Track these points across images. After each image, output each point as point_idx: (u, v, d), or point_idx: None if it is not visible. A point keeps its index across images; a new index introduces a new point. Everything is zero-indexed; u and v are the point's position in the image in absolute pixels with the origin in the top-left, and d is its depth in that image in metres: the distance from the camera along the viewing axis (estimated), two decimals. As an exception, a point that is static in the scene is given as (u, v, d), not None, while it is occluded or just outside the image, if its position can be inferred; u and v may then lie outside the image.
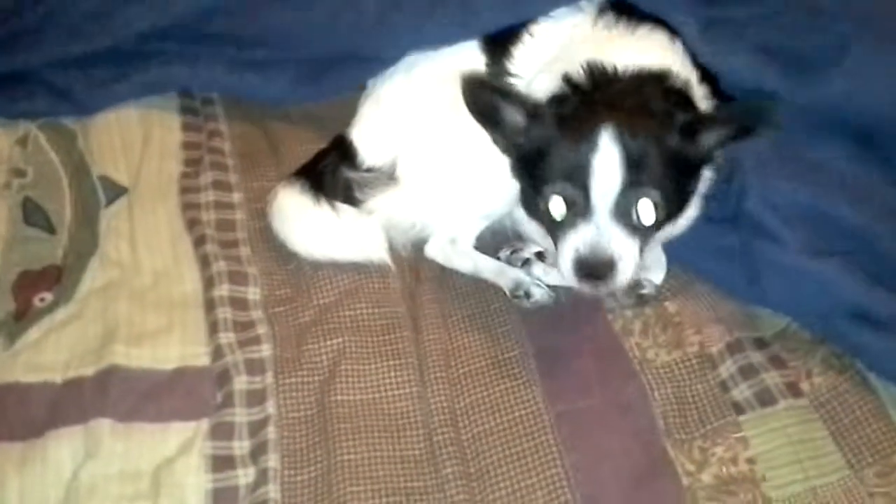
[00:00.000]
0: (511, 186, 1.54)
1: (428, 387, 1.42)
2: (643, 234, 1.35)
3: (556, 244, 1.38)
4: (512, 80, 1.60)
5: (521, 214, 1.60)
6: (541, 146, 1.35)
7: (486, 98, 1.39)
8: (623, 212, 1.31)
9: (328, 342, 1.47)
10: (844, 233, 1.41)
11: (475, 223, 1.63)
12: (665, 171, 1.32)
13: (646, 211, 1.31)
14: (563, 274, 1.36)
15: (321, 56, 1.78)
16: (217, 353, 1.44)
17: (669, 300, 1.53)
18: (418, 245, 1.64)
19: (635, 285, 1.52)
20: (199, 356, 1.46)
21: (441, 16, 1.61)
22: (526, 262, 1.61)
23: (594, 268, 1.32)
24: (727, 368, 1.41)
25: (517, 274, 1.57)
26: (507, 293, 1.56)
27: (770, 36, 1.53)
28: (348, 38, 1.71)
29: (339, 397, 1.39)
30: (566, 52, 1.54)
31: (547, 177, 1.34)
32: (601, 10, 1.58)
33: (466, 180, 1.59)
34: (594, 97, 1.40)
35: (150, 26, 1.78)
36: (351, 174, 1.62)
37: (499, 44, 1.64)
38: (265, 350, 1.46)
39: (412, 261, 1.63)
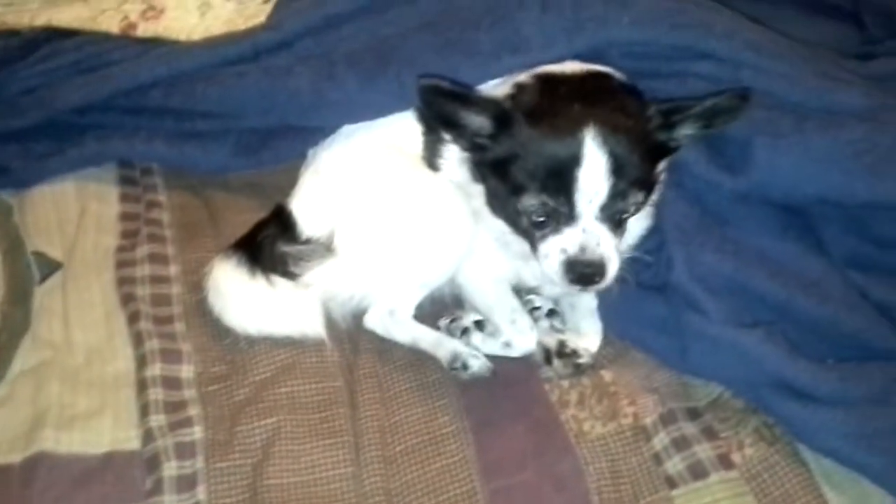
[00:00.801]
0: (451, 256, 1.58)
1: (363, 466, 1.40)
2: (622, 229, 1.38)
3: (533, 245, 1.39)
4: (449, 149, 1.60)
5: (462, 280, 1.62)
6: (514, 151, 1.34)
7: (444, 106, 1.39)
8: (608, 214, 1.33)
9: (262, 422, 1.45)
10: (766, 304, 1.43)
11: (414, 293, 1.62)
12: (645, 167, 1.35)
13: (628, 210, 1.35)
14: (549, 276, 1.38)
15: (259, 127, 1.78)
16: (147, 436, 1.42)
17: (605, 368, 1.53)
18: (358, 316, 1.63)
19: (572, 354, 1.52)
20: (130, 439, 1.43)
21: (376, 89, 1.61)
22: (465, 332, 1.61)
23: (585, 270, 1.34)
24: (661, 440, 1.41)
25: (455, 345, 1.56)
26: (445, 365, 1.55)
27: None
28: (284, 111, 1.71)
29: (271, 481, 1.37)
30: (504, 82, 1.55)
31: (524, 184, 1.34)
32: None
33: (405, 251, 1.58)
34: (560, 91, 1.38)
35: (87, 101, 1.78)
36: (287, 248, 1.60)
37: None
38: (197, 432, 1.43)
39: (351, 332, 1.62)
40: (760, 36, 1.62)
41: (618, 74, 1.50)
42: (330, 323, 1.59)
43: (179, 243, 1.75)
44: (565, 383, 1.51)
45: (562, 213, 1.34)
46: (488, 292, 1.60)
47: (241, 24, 1.84)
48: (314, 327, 1.55)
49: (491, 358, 1.55)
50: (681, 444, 1.39)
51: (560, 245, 1.35)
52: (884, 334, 1.40)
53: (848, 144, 1.45)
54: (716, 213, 1.49)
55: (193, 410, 1.47)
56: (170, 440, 1.40)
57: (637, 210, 1.39)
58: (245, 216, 1.75)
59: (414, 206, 1.59)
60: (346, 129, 1.69)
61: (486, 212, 1.49)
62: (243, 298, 1.57)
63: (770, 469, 1.34)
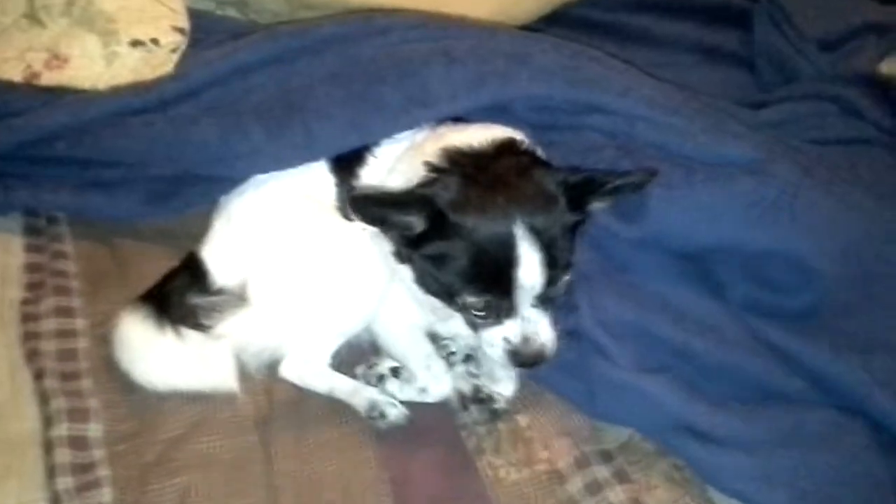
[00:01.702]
0: (366, 305, 1.58)
1: (278, 526, 1.38)
2: (555, 305, 1.42)
3: (473, 329, 1.44)
4: None
5: (377, 326, 1.62)
6: (447, 251, 1.38)
7: (376, 212, 1.41)
8: (544, 299, 1.38)
9: (173, 481, 1.40)
10: (668, 349, 1.48)
11: (330, 342, 1.61)
12: (570, 247, 1.40)
13: (560, 293, 1.41)
14: (492, 358, 1.44)
15: (169, 176, 1.75)
16: (55, 500, 1.36)
17: (521, 412, 1.55)
18: (272, 366, 1.61)
19: (488, 399, 1.54)
20: (37, 502, 1.37)
21: (284, 141, 1.61)
22: (381, 378, 1.61)
23: (528, 359, 1.40)
24: (575, 484, 1.43)
25: (371, 394, 1.56)
26: (363, 414, 1.54)
27: None
28: (192, 161, 1.69)
29: (182, 544, 1.34)
30: (409, 154, 1.57)
31: (461, 283, 1.38)
32: (439, 123, 1.63)
33: (320, 300, 1.58)
34: (477, 179, 1.41)
35: (-8, 151, 1.72)
36: (198, 300, 1.58)
37: (346, 164, 1.66)
38: (106, 495, 1.38)
39: (266, 384, 1.59)
40: (655, 91, 1.70)
41: (521, 136, 1.54)
42: (243, 375, 1.56)
43: (87, 295, 1.70)
44: (482, 429, 1.52)
45: (502, 307, 1.39)
46: (402, 338, 1.61)
47: (148, 74, 1.81)
48: (226, 381, 1.53)
49: (408, 405, 1.55)
50: (594, 488, 1.41)
51: (502, 334, 1.40)
52: (782, 376, 1.47)
53: (737, 196, 1.53)
54: (616, 260, 1.55)
55: (102, 471, 1.41)
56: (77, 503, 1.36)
57: (565, 289, 1.44)
58: (156, 264, 1.71)
59: (327, 254, 1.58)
60: (259, 176, 1.68)
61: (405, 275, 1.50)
62: (151, 353, 1.53)
63: (681, 512, 1.38)
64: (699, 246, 1.54)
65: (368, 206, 1.41)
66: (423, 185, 1.44)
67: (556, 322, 1.41)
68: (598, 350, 1.47)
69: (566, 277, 1.40)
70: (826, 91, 1.96)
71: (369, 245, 1.57)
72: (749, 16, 2.23)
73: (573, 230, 1.42)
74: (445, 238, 1.37)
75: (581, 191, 1.40)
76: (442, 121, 1.63)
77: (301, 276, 1.58)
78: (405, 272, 1.50)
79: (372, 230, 1.52)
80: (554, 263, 1.36)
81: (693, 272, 1.57)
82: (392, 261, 1.50)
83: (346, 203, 1.61)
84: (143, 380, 1.53)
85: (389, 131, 1.61)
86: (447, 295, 1.43)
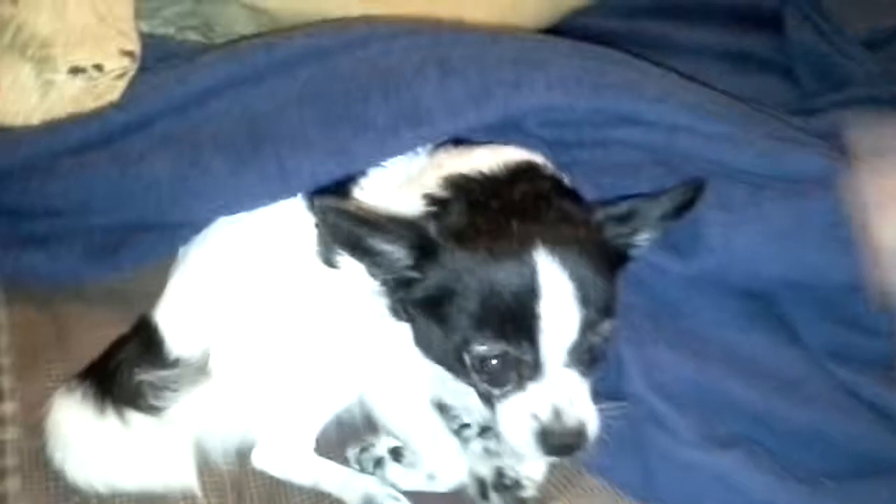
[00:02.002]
0: (358, 373, 1.32)
1: None
2: (593, 371, 1.13)
3: (488, 403, 1.15)
4: None
5: (371, 397, 1.34)
6: (447, 286, 1.10)
7: (348, 232, 1.15)
8: (579, 357, 1.09)
9: None
10: (739, 413, 1.20)
11: (314, 422, 1.34)
12: (611, 288, 1.12)
13: (599, 346, 1.11)
14: (516, 448, 1.14)
15: (116, 225, 1.50)
16: None
17: (555, 499, 1.26)
18: (243, 454, 1.32)
19: (513, 486, 1.24)
20: None
21: (251, 175, 1.36)
22: (379, 463, 1.32)
23: (564, 441, 1.09)
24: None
25: (367, 484, 1.27)
26: (357, 510, 1.26)
27: None
28: (141, 205, 1.44)
29: None
30: (404, 187, 1.32)
31: (470, 329, 1.10)
32: (437, 147, 1.37)
33: (301, 370, 1.31)
34: (487, 205, 1.16)
35: None
36: (147, 375, 1.30)
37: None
38: None
39: (234, 476, 1.30)
40: (697, 96, 1.44)
41: (541, 160, 1.28)
42: (206, 467, 1.28)
43: (19, 372, 1.43)
44: (506, 525, 1.23)
45: (524, 363, 1.09)
46: (404, 411, 1.33)
47: (90, 105, 1.57)
48: (184, 476, 1.25)
49: (413, 496, 1.27)
50: None
51: (527, 409, 1.09)
52: (882, 440, 1.18)
53: (813, 217, 1.26)
54: (668, 303, 1.26)
55: None
56: None
57: (606, 345, 1.14)
58: (104, 332, 1.43)
59: (308, 313, 1.32)
60: (222, 221, 1.42)
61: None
62: (89, 444, 1.25)
63: None
64: (769, 280, 1.26)
65: (339, 220, 1.15)
66: (420, 218, 1.18)
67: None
68: (654, 419, 1.18)
69: (607, 326, 1.11)
70: (880, 94, 1.72)
71: (360, 299, 1.30)
72: (780, 17, 1.97)
73: (613, 268, 1.15)
74: (441, 267, 1.12)
75: (622, 220, 1.16)
76: (440, 145, 1.38)
77: (276, 342, 1.32)
78: (404, 333, 1.22)
79: (361, 277, 1.25)
80: (588, 301, 1.08)
81: (763, 314, 1.28)
82: (389, 319, 1.23)
83: (329, 247, 1.35)
84: (80, 479, 1.24)
85: (377, 157, 1.36)
86: (454, 354, 1.14)
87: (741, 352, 1.24)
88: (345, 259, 1.33)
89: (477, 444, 1.31)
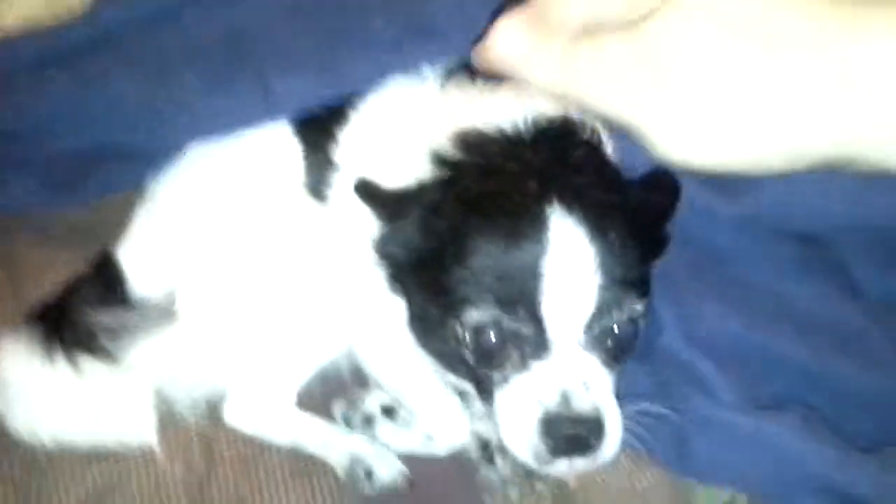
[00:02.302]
0: (345, 319, 1.17)
1: None
2: (619, 359, 0.95)
3: (485, 392, 0.99)
4: (341, 173, 1.21)
5: (362, 348, 1.19)
6: (443, 243, 0.96)
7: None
8: (599, 338, 0.93)
9: None
10: (790, 371, 1.04)
11: (295, 374, 1.19)
12: (643, 268, 0.96)
13: (628, 333, 0.94)
14: (514, 449, 0.95)
15: (76, 152, 1.34)
16: None
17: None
18: (214, 408, 1.18)
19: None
20: None
21: (229, 94, 1.21)
22: (369, 421, 1.18)
23: (573, 430, 0.90)
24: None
25: (354, 444, 1.13)
26: (342, 473, 1.11)
27: None
28: (104, 129, 1.29)
29: None
30: (412, 131, 1.14)
31: (461, 294, 0.94)
32: (449, 73, 1.19)
33: (278, 315, 1.17)
34: (505, 168, 1.00)
35: None
36: (103, 317, 1.15)
37: (318, 126, 1.24)
38: None
39: (203, 433, 1.16)
40: None
41: (581, 119, 1.09)
42: (170, 421, 1.14)
43: None
44: (514, 493, 1.08)
45: (524, 338, 0.91)
46: (399, 364, 1.17)
47: (47, 17, 1.41)
48: (141, 431, 1.11)
49: (406, 460, 1.13)
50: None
51: (531, 393, 0.91)
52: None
53: None
54: (712, 250, 1.10)
55: None
56: None
57: (635, 333, 0.96)
58: (61, 272, 1.29)
59: (289, 250, 1.18)
60: (196, 148, 1.27)
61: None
62: (35, 393, 1.11)
63: None
64: (834, 221, 1.09)
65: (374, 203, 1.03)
66: (429, 188, 1.02)
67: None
68: (692, 380, 1.02)
69: (636, 306, 0.93)
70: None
71: (349, 237, 1.15)
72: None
73: (646, 250, 0.98)
74: (446, 235, 0.96)
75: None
76: (452, 73, 1.20)
77: (253, 282, 1.17)
78: (396, 308, 1.07)
79: (355, 215, 1.11)
80: (611, 275, 0.90)
81: (820, 261, 1.11)
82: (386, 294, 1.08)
83: (319, 179, 1.22)
84: (24, 431, 1.10)
85: (376, 76, 1.20)
86: (448, 330, 0.97)
87: (794, 304, 1.08)
88: (337, 194, 1.20)
89: (481, 404, 1.16)
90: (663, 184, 1.03)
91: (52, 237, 1.39)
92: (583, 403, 0.89)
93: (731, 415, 0.99)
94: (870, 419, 1.02)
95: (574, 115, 1.09)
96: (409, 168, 1.07)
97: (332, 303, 1.15)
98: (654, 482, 1.06)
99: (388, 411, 1.18)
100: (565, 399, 0.89)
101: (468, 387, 1.06)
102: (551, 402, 0.89)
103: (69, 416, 1.10)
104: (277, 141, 1.24)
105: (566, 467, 0.92)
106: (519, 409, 0.91)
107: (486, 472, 1.11)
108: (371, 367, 1.20)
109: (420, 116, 1.16)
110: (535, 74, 0.77)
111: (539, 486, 1.08)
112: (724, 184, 1.08)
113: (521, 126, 1.05)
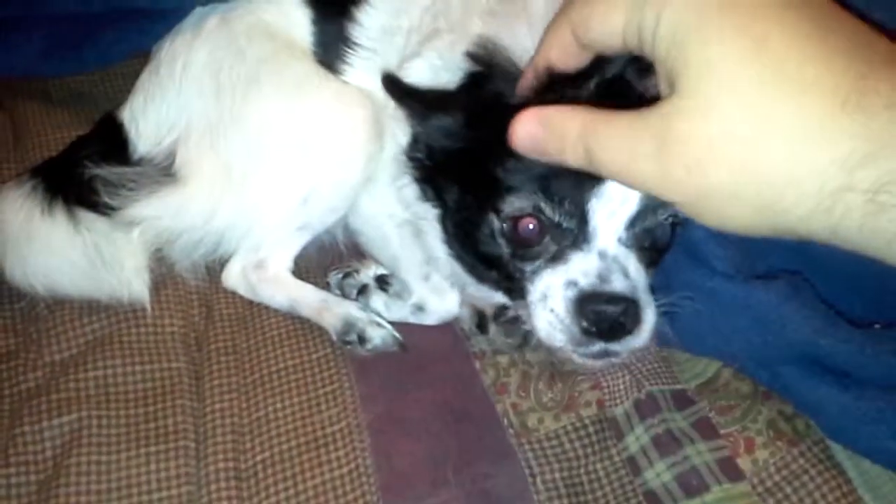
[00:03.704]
0: (343, 185, 1.15)
1: (206, 485, 0.96)
2: (654, 264, 0.93)
3: (518, 287, 0.93)
4: (355, 52, 1.18)
5: (358, 220, 1.19)
6: (492, 138, 0.86)
7: (413, 107, 0.97)
8: (638, 234, 0.89)
9: (58, 420, 1.00)
10: (783, 245, 1.00)
11: (292, 238, 1.18)
12: None
13: (663, 231, 0.91)
14: (546, 336, 0.90)
15: (80, 13, 1.30)
16: None
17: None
18: (213, 269, 1.19)
19: (514, 319, 1.09)
20: None
21: None
22: (363, 290, 1.19)
23: (610, 309, 0.85)
24: (637, 438, 0.99)
25: (348, 310, 1.13)
26: (335, 337, 1.12)
27: None
28: None
29: (63, 509, 0.92)
30: (450, 26, 1.09)
31: (506, 185, 0.89)
32: None
33: (278, 177, 1.14)
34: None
35: None
36: (103, 171, 1.13)
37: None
38: None
39: (202, 292, 1.16)
40: None
41: None
42: (170, 278, 1.15)
43: None
44: (503, 360, 1.10)
45: (566, 229, 0.87)
46: (392, 237, 1.17)
47: None
48: (134, 287, 1.11)
49: (399, 327, 1.13)
50: (666, 443, 0.98)
51: (567, 277, 0.87)
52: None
53: None
54: None
55: None
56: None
57: (671, 237, 0.93)
58: (63, 135, 1.31)
59: (293, 113, 1.15)
60: (198, 14, 1.23)
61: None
62: (32, 241, 1.10)
63: (793, 479, 0.94)
64: None
65: (405, 99, 0.97)
66: (464, 89, 0.97)
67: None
68: (683, 249, 0.98)
69: (677, 212, 0.87)
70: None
71: (355, 104, 1.14)
72: None
73: None
74: (490, 118, 0.89)
75: None
76: None
77: (252, 143, 1.14)
78: (418, 190, 1.04)
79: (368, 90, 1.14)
80: None
81: None
82: (417, 203, 1.06)
83: (326, 47, 1.20)
84: (21, 279, 1.10)
85: None
86: (487, 234, 0.93)
87: None
88: (353, 69, 1.18)
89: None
90: None
91: (54, 102, 1.40)
92: (620, 284, 0.86)
93: (720, 282, 0.95)
94: (860, 298, 0.98)
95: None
96: (444, 61, 1.03)
97: (334, 170, 1.13)
98: (643, 353, 1.05)
99: (382, 282, 1.19)
100: (602, 279, 0.86)
101: (493, 294, 1.03)
102: (587, 282, 0.86)
103: (64, 268, 1.09)
104: (284, 4, 1.20)
105: (600, 352, 0.88)
106: (553, 293, 0.88)
107: (477, 340, 1.11)
108: (366, 240, 1.20)
109: (452, 9, 1.11)
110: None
111: (529, 354, 1.09)
112: None
113: None
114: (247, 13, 1.20)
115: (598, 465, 0.98)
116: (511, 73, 0.93)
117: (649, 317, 0.87)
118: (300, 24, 1.21)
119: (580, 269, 0.87)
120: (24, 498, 0.93)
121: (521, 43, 0.96)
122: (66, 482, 0.94)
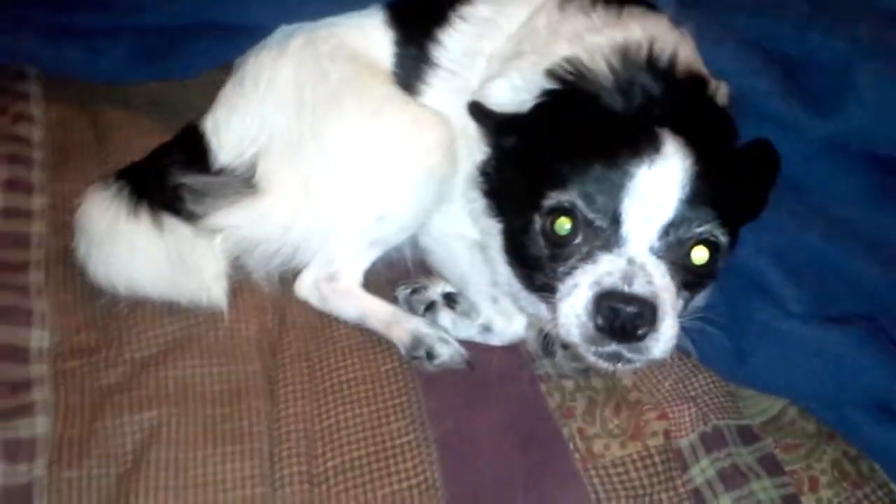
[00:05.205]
0: (416, 204, 1.18)
1: (279, 488, 0.99)
2: (691, 286, 0.94)
3: (549, 285, 0.95)
4: (435, 73, 1.22)
5: (428, 239, 1.22)
6: (542, 142, 0.95)
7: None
8: (671, 244, 0.91)
9: (137, 416, 1.04)
10: (862, 291, 1.03)
11: (364, 253, 1.21)
12: (737, 195, 0.95)
13: (703, 253, 0.91)
14: (565, 331, 0.92)
15: (167, 24, 1.36)
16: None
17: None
18: (287, 278, 1.21)
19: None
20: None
21: None
22: (430, 307, 1.21)
23: (625, 309, 0.87)
24: (702, 471, 1.01)
25: (417, 325, 1.16)
26: (404, 351, 1.15)
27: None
28: (198, 3, 1.31)
29: (142, 502, 0.95)
30: (534, 48, 1.13)
31: (550, 181, 0.92)
32: None
33: (354, 193, 1.18)
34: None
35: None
36: (188, 179, 1.17)
37: (415, 19, 1.24)
38: (39, 425, 1.01)
39: (277, 300, 1.20)
40: None
41: (717, 84, 1.09)
42: (247, 285, 1.18)
43: (51, 169, 1.35)
44: (569, 384, 1.12)
45: (599, 229, 0.90)
46: (463, 257, 1.19)
47: None
48: (213, 292, 1.14)
49: (466, 345, 1.15)
50: (731, 476, 1.00)
51: (592, 277, 0.89)
52: None
53: None
54: (788, 177, 1.05)
55: (39, 394, 1.05)
56: (-1, 433, 0.98)
57: (712, 266, 0.94)
58: (144, 139, 1.34)
59: (370, 133, 1.18)
60: (284, 31, 1.28)
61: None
62: (116, 242, 1.14)
63: (857, 518, 0.96)
64: None
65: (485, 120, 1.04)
66: (539, 111, 1.02)
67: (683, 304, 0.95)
68: (760, 289, 1.01)
69: (716, 230, 0.90)
70: None
71: (432, 126, 1.18)
72: None
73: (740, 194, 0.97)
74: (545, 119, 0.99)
75: None
76: None
77: (330, 159, 1.18)
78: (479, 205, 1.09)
79: (449, 112, 1.18)
80: (698, 192, 0.90)
81: (893, 191, 1.10)
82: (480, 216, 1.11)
83: (406, 68, 1.24)
84: (103, 277, 1.14)
85: None
86: (528, 231, 0.96)
87: (867, 229, 1.07)
88: (432, 89, 1.22)
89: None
90: (765, 153, 1.01)
91: (136, 108, 1.43)
92: (641, 288, 0.87)
93: (796, 324, 0.99)
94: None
95: (703, 72, 1.08)
96: (525, 81, 1.08)
97: (409, 189, 1.16)
98: (707, 388, 1.08)
99: (450, 300, 1.20)
100: (625, 280, 0.87)
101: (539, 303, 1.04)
102: (609, 281, 0.88)
103: (147, 270, 1.13)
104: (368, 27, 1.24)
105: (613, 354, 0.89)
106: (578, 291, 0.90)
107: (544, 363, 1.13)
108: (435, 259, 1.22)
109: (538, 34, 1.15)
110: None
111: (594, 380, 1.12)
112: (816, 97, 1.07)
113: (637, 52, 1.04)
114: (331, 36, 1.25)
115: (664, 496, 1.00)
116: (589, 90, 0.99)
117: (667, 328, 0.88)
118: (382, 46, 1.25)
119: (606, 269, 0.89)
120: (103, 490, 0.97)
121: (600, 65, 1.02)
122: (144, 476, 0.96)
